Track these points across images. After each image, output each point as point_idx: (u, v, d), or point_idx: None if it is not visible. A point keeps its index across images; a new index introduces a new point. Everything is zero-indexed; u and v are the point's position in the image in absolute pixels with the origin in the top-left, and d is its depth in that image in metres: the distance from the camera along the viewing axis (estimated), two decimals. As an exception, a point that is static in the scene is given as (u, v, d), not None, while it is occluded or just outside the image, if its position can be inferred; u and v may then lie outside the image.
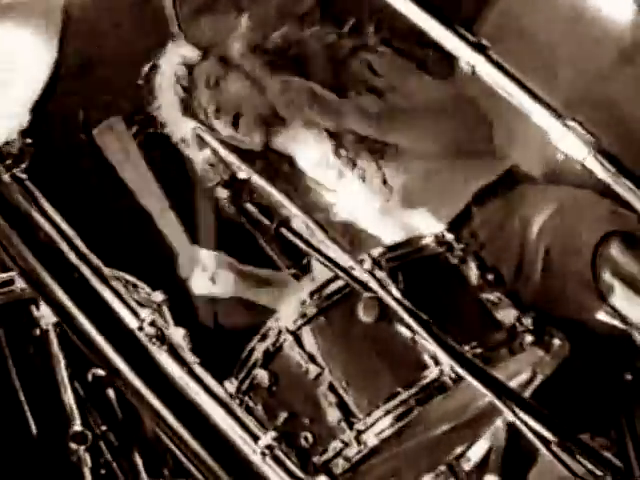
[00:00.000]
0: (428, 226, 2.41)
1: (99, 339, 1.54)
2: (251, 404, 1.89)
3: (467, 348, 1.77)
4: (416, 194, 2.40)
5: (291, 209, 1.62)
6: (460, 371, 1.61)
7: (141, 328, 1.53)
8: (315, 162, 2.50)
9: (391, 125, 2.41)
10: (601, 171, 1.65)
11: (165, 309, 1.92)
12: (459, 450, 2.07)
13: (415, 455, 1.93)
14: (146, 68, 2.39)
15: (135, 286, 1.95)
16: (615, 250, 2.07)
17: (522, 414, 1.59)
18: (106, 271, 1.70)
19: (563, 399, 2.34)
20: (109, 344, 1.48)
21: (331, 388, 1.79)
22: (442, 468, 1.95)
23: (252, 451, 1.52)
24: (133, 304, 1.58)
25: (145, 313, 1.57)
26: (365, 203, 2.49)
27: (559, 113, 1.67)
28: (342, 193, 2.51)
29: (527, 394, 1.92)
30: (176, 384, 1.45)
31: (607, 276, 2.07)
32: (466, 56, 1.68)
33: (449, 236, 1.91)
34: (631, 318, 2.10)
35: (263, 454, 1.50)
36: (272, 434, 1.48)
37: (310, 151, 2.47)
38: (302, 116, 2.43)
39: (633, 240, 2.08)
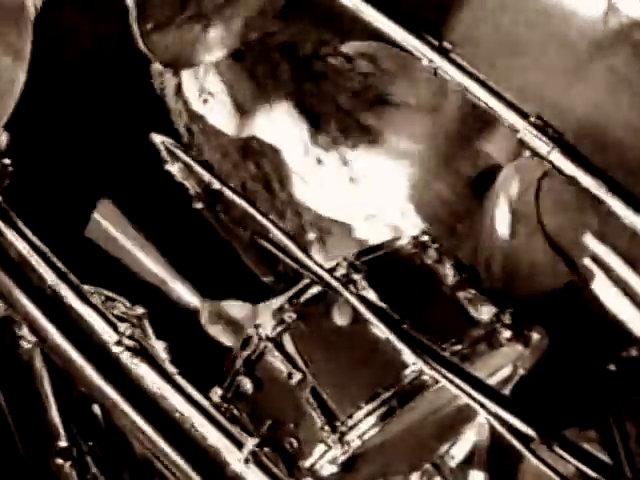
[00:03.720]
0: (407, 223, 2.44)
1: (75, 355, 1.56)
2: (236, 412, 1.91)
3: (445, 346, 1.80)
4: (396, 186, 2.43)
5: (262, 220, 1.65)
6: (432, 373, 1.63)
7: (120, 342, 1.55)
8: (294, 149, 2.53)
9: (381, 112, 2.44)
10: (565, 167, 1.69)
11: (146, 322, 1.94)
12: (444, 447, 2.10)
13: (400, 454, 1.96)
14: None
15: (114, 300, 1.97)
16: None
17: (499, 411, 1.61)
18: (85, 288, 1.72)
19: (546, 393, 2.36)
20: (86, 360, 1.50)
21: (313, 392, 1.80)
22: (427, 466, 1.98)
23: (236, 459, 1.55)
24: (112, 318, 1.61)
25: (124, 327, 1.59)
26: (343, 196, 2.52)
27: (523, 111, 1.71)
28: (320, 184, 2.55)
29: (508, 390, 1.94)
30: (155, 396, 1.47)
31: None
32: (428, 58, 1.72)
33: (424, 237, 1.94)
34: None
35: (247, 461, 1.52)
36: (255, 440, 1.50)
37: (288, 136, 2.50)
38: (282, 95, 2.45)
39: None
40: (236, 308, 2.41)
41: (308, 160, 2.53)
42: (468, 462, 2.03)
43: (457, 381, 1.47)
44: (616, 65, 3.48)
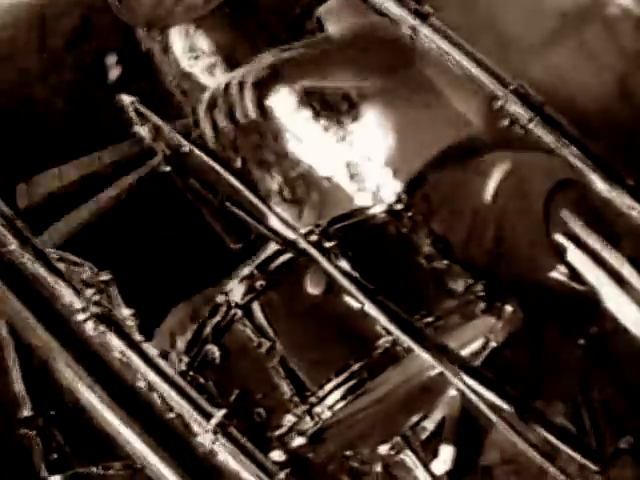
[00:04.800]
0: (387, 185, 2.40)
1: (35, 323, 1.51)
2: (202, 381, 1.87)
3: (417, 317, 1.77)
4: (377, 150, 2.39)
5: (234, 183, 1.60)
6: (408, 341, 1.60)
7: (85, 308, 1.50)
8: (284, 107, 2.48)
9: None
10: (545, 135, 1.66)
11: (112, 288, 1.88)
12: (414, 419, 2.07)
13: (370, 426, 1.93)
14: None
15: (81, 266, 1.91)
16: (566, 200, 2.07)
17: (472, 382, 1.59)
18: (49, 252, 1.67)
19: (515, 365, 2.34)
20: (47, 330, 1.44)
21: (282, 362, 1.77)
22: (397, 439, 1.95)
23: (204, 430, 1.51)
24: (77, 284, 1.56)
25: (90, 292, 1.54)
26: (331, 156, 2.48)
27: (503, 79, 1.67)
28: (310, 143, 2.51)
29: (478, 362, 1.92)
30: (116, 368, 1.43)
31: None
32: (408, 23, 1.68)
33: (398, 205, 1.90)
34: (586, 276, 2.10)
35: (215, 432, 1.49)
36: (223, 411, 1.46)
37: (280, 93, 2.45)
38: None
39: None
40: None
41: (300, 117, 2.49)
42: (437, 435, 2.02)
43: (431, 352, 1.44)
44: (586, 39, 3.47)
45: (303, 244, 1.64)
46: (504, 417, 1.59)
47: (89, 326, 1.48)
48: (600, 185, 1.62)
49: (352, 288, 1.45)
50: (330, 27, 2.40)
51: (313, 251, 1.66)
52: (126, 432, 1.50)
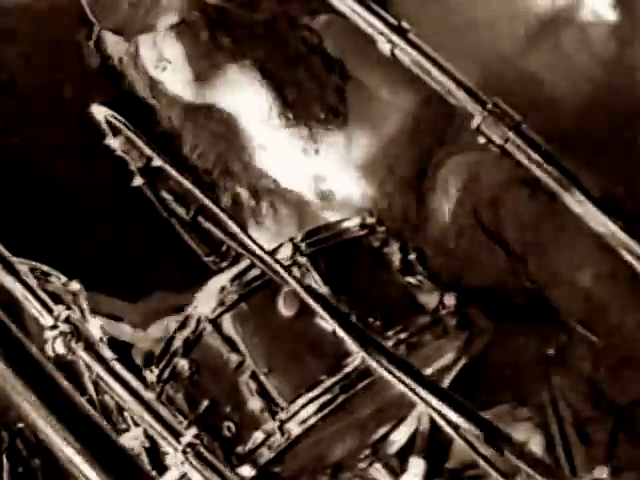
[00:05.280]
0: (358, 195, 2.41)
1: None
2: (171, 393, 1.85)
3: (390, 334, 1.77)
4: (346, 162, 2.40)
5: (202, 199, 1.59)
6: (374, 364, 1.59)
7: (55, 326, 1.48)
8: (254, 117, 2.48)
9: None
10: (520, 155, 1.65)
11: (82, 299, 1.87)
12: (381, 432, 2.07)
13: (338, 440, 1.92)
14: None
15: (49, 275, 1.89)
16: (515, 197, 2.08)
17: (436, 402, 1.58)
18: (15, 261, 1.64)
19: (485, 374, 2.35)
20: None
21: (253, 377, 1.75)
22: (367, 452, 1.95)
23: (174, 449, 1.50)
24: (46, 299, 1.53)
25: (59, 309, 1.52)
26: (299, 168, 2.48)
27: (480, 97, 1.66)
28: (279, 153, 2.50)
29: (451, 376, 1.92)
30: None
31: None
32: (385, 38, 1.66)
33: (370, 219, 1.89)
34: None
35: (184, 452, 1.47)
36: (193, 431, 1.45)
37: (249, 104, 2.45)
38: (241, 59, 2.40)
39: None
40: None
41: (268, 129, 2.49)
42: (408, 448, 2.01)
43: (395, 372, 1.43)
44: (561, 44, 3.49)
45: (272, 264, 1.62)
46: (460, 433, 1.58)
47: (58, 344, 1.46)
48: (578, 208, 1.61)
49: (322, 311, 1.44)
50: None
51: (282, 271, 1.64)
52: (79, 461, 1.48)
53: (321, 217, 2.48)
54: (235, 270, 1.79)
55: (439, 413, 1.55)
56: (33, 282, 1.56)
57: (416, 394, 1.55)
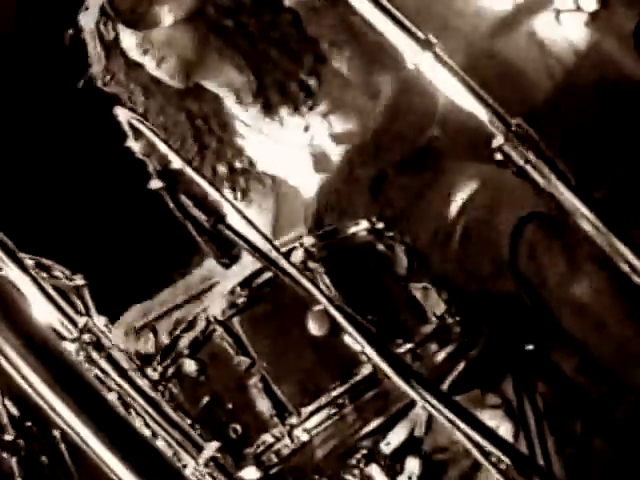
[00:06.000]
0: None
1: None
2: (175, 391, 1.85)
3: (397, 343, 1.78)
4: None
5: (224, 204, 1.58)
6: (388, 370, 1.60)
7: (78, 339, 1.46)
8: (239, 99, 2.46)
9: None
10: (538, 177, 1.67)
11: (86, 293, 1.85)
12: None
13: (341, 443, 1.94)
14: (70, 31, 2.30)
15: (53, 270, 1.86)
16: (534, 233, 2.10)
17: (438, 405, 1.61)
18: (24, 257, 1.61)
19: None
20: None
21: (263, 380, 1.77)
22: (363, 452, 1.97)
23: (195, 462, 1.50)
24: (68, 310, 1.51)
25: (82, 321, 1.50)
26: (278, 152, 2.48)
27: (504, 117, 1.67)
28: (262, 134, 2.49)
29: (450, 379, 1.94)
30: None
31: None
32: (411, 52, 1.65)
33: (380, 224, 1.90)
34: None
35: (206, 465, 1.48)
36: (215, 445, 1.46)
37: (234, 87, 2.44)
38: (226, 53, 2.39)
39: (553, 223, 2.10)
40: (130, 315, 2.36)
41: (253, 111, 2.47)
42: (404, 449, 2.04)
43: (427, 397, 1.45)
44: (535, 30, 3.50)
45: (290, 269, 1.63)
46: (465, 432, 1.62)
47: (80, 356, 1.45)
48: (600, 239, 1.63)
49: (351, 330, 1.44)
50: (314, 33, 2.39)
51: (298, 273, 1.65)
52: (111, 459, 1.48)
53: (299, 197, 2.48)
54: (246, 273, 1.80)
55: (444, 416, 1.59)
56: (49, 288, 1.55)
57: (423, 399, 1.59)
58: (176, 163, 1.64)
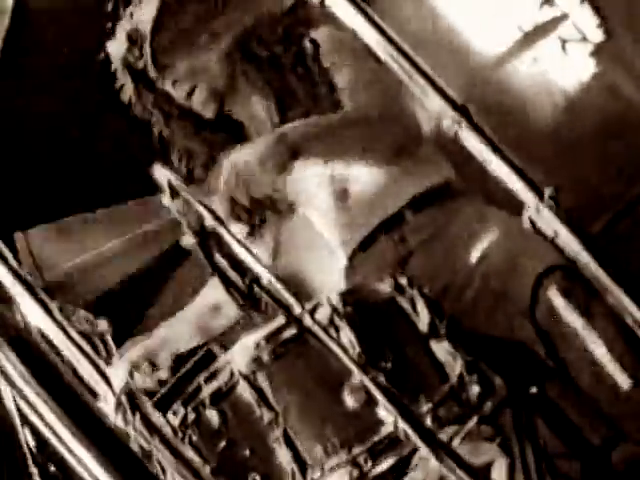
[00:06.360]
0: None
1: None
2: (195, 439, 1.87)
3: (418, 404, 1.81)
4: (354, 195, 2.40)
5: (257, 268, 1.61)
6: (410, 432, 1.64)
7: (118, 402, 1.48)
8: (258, 127, 2.45)
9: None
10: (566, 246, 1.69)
11: (109, 338, 1.86)
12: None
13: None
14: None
15: (75, 313, 1.87)
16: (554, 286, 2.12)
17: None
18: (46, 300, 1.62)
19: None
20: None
21: (285, 434, 1.79)
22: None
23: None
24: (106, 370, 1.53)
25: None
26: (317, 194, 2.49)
27: (538, 188, 1.69)
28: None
29: (461, 435, 1.97)
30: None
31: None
32: (449, 116, 1.67)
33: (402, 280, 1.92)
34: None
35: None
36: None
37: (256, 120, 2.44)
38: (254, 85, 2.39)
39: (573, 275, 2.12)
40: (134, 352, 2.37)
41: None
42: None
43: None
44: (539, 57, 3.52)
45: (310, 321, 1.66)
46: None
47: (119, 419, 1.46)
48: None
49: (385, 402, 1.47)
50: (326, 62, 2.39)
51: (321, 331, 1.67)
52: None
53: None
54: (272, 327, 1.82)
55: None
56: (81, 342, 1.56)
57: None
58: (210, 223, 1.66)
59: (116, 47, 2.40)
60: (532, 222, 1.66)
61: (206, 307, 2.47)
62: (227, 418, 1.83)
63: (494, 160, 1.67)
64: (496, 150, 1.67)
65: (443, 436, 1.75)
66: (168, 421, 1.83)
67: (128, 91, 2.41)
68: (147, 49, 2.27)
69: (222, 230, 1.63)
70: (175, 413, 1.87)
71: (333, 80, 2.42)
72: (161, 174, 1.61)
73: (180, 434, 1.85)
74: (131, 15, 2.42)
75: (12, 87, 2.70)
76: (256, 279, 1.64)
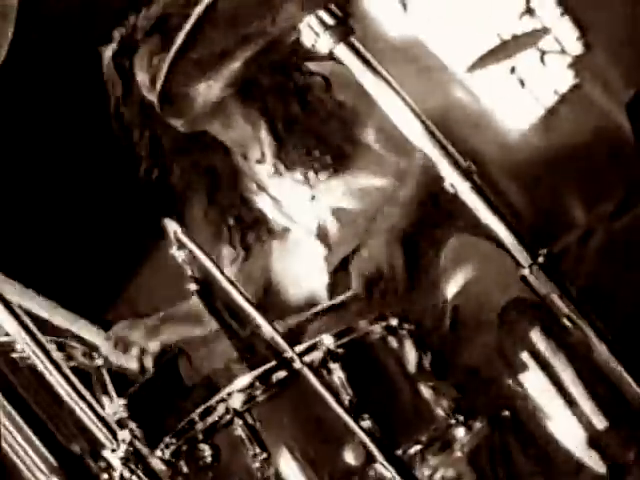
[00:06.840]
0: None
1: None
2: (185, 470, 1.91)
3: (405, 446, 1.86)
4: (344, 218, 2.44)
5: (259, 321, 1.65)
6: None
7: (116, 449, 1.50)
8: (251, 155, 2.49)
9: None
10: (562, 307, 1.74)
11: (104, 373, 1.88)
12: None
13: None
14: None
15: (74, 348, 1.89)
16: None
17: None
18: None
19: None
20: None
21: (276, 474, 1.84)
22: None
23: None
24: (111, 422, 1.55)
25: (124, 435, 1.54)
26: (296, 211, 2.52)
27: (532, 248, 1.73)
28: (277, 193, 2.53)
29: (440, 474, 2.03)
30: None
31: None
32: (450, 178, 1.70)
33: (393, 321, 1.96)
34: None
35: None
36: None
37: (248, 142, 2.46)
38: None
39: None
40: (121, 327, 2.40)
41: (266, 168, 2.51)
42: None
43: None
44: (517, 67, 3.55)
45: (306, 373, 1.70)
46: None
47: (125, 472, 1.49)
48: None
49: (385, 462, 1.53)
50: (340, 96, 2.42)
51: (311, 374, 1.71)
52: None
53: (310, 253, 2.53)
54: (264, 367, 1.86)
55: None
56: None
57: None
58: (213, 274, 1.69)
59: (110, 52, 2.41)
60: (525, 280, 1.71)
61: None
62: (219, 454, 1.88)
63: (491, 220, 1.72)
64: (496, 212, 1.71)
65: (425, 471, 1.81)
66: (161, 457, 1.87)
67: (117, 91, 2.43)
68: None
69: (224, 282, 1.66)
70: (167, 446, 1.92)
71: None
72: (171, 227, 1.65)
73: (172, 467, 1.90)
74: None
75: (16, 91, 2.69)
76: (256, 334, 1.68)
